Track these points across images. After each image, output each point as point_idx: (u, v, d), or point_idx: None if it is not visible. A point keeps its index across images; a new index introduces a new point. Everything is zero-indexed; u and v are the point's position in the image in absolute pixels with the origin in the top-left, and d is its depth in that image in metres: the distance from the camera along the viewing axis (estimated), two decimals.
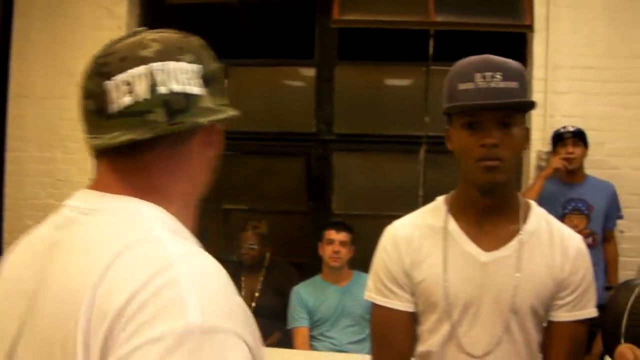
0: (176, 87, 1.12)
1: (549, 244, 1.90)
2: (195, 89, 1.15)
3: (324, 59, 5.80)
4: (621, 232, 5.05)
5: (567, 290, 1.88)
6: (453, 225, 1.94)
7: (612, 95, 5.19)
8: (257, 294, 4.88)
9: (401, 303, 1.96)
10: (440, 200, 2.02)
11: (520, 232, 1.89)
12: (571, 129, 4.76)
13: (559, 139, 4.78)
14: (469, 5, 5.42)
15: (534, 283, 1.86)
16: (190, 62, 1.16)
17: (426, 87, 5.62)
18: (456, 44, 5.48)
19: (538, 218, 1.94)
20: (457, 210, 1.95)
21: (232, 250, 5.15)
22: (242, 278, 4.94)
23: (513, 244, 1.89)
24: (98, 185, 1.15)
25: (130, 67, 1.10)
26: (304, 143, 5.80)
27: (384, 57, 5.78)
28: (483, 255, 1.89)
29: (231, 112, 1.27)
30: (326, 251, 4.62)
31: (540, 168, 5.08)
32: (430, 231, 1.95)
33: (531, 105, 1.83)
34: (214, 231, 5.91)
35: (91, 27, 5.66)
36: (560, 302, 1.89)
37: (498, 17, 5.41)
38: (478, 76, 1.77)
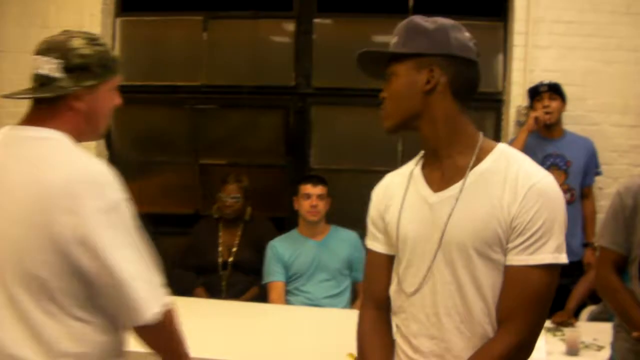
0: (42, 72, 1.94)
1: (501, 183, 1.81)
2: (57, 74, 1.93)
3: (303, 12, 5.71)
4: (600, 188, 5.05)
5: (515, 232, 1.77)
6: (417, 169, 1.99)
7: (593, 50, 5.15)
8: (234, 249, 4.85)
9: (379, 245, 2.06)
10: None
11: (468, 171, 1.85)
12: (547, 83, 4.74)
13: (535, 93, 4.76)
14: None
15: (468, 221, 1.80)
16: (55, 57, 1.92)
17: None
18: None
19: (497, 158, 1.86)
20: (425, 159, 2.00)
21: (209, 205, 5.11)
22: (220, 233, 4.91)
23: (457, 185, 1.86)
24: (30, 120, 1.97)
25: (39, 54, 1.96)
26: (283, 96, 5.72)
27: (364, 10, 5.69)
28: (431, 196, 1.90)
29: (77, 88, 1.95)
30: (303, 206, 4.59)
31: (520, 123, 5.05)
32: (402, 177, 2.03)
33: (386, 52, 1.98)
34: (191, 185, 5.86)
35: None
36: (510, 245, 1.78)
37: None
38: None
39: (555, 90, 4.73)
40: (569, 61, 5.17)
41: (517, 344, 1.77)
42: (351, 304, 4.62)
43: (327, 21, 5.79)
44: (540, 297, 1.78)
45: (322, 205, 4.59)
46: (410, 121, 1.93)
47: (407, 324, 1.95)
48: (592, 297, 4.37)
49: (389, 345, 2.05)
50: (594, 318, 4.35)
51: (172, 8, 5.84)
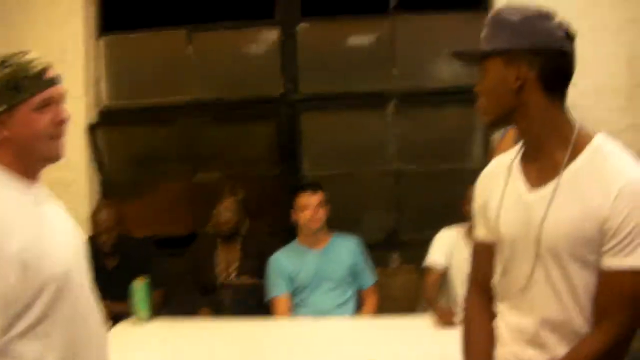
0: None
1: (594, 183, 1.78)
2: None
3: (285, 18, 5.68)
4: None
5: (608, 234, 1.75)
6: (517, 161, 1.99)
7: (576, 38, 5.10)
8: (235, 266, 4.79)
9: (482, 234, 2.09)
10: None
11: (562, 169, 1.83)
12: None
13: None
14: None
15: (561, 224, 1.80)
16: None
17: (392, 39, 5.52)
18: None
19: (592, 153, 1.82)
20: (523, 151, 2.00)
21: (206, 222, 5.05)
22: (218, 251, 4.85)
23: (551, 184, 1.85)
24: None
25: None
26: (272, 106, 5.67)
27: (346, 12, 5.66)
28: (527, 194, 1.91)
29: None
30: (304, 215, 4.53)
31: None
32: (502, 168, 2.03)
33: None
34: (187, 204, 5.82)
35: None
36: (604, 248, 1.77)
37: None
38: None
39: None
40: None
41: (611, 342, 1.77)
42: (356, 311, 4.58)
43: (311, 26, 5.76)
44: (636, 299, 1.76)
45: (321, 213, 4.55)
46: (507, 116, 1.91)
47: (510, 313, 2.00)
48: None
49: (492, 332, 2.08)
50: None
51: (154, 24, 5.79)
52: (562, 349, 1.84)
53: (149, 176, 5.92)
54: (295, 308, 4.54)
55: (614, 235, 1.74)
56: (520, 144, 2.00)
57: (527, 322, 1.91)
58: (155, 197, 5.96)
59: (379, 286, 4.72)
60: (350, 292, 4.58)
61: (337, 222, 4.76)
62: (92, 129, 5.56)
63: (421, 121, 5.51)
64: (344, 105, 5.55)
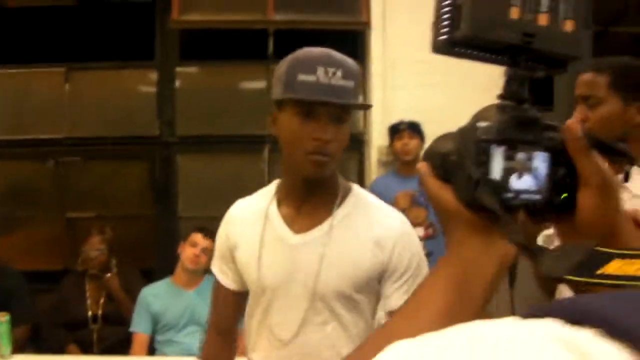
0: None
1: (365, 226, 1.88)
2: None
3: (164, 61, 5.72)
4: None
5: (393, 276, 1.85)
6: (273, 208, 1.97)
7: (449, 88, 5.32)
8: (102, 301, 4.74)
9: (229, 281, 2.07)
10: (274, 183, 2.06)
11: (332, 214, 1.90)
12: (406, 121, 4.88)
13: (394, 131, 4.89)
14: (308, 4, 5.48)
15: (340, 265, 1.84)
16: None
17: (268, 85, 5.63)
18: (296, 42, 5.51)
19: (356, 200, 1.94)
20: (281, 194, 1.99)
21: (77, 259, 5.00)
22: (87, 287, 4.81)
23: (323, 226, 1.89)
24: None
25: None
26: (147, 146, 5.70)
27: (226, 57, 5.74)
28: (293, 238, 1.91)
29: None
30: (186, 252, 4.53)
31: (381, 163, 5.17)
32: (254, 213, 1.99)
33: (368, 107, 2.08)
34: (59, 240, 5.73)
35: None
36: (389, 290, 1.86)
37: (336, 15, 5.48)
38: (320, 70, 1.78)
39: (414, 129, 4.87)
40: (427, 100, 5.33)
41: None
42: None
43: (190, 69, 5.82)
44: None
45: (204, 259, 4.53)
46: None
47: None
48: None
49: None
50: None
51: (35, 60, 5.75)
52: None
53: (23, 210, 5.82)
54: (160, 346, 4.51)
55: (400, 277, 1.86)
56: (273, 191, 2.02)
57: None
58: (29, 232, 5.86)
59: None
60: None
61: (209, 264, 4.77)
62: None
63: None
64: (220, 148, 5.61)
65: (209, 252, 4.53)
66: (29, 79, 5.86)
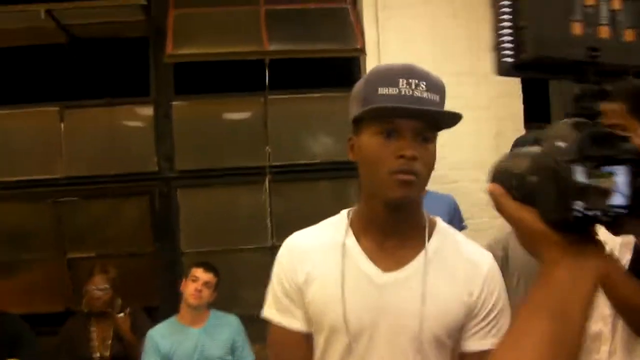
0: None
1: (456, 264, 1.73)
2: None
3: (160, 96, 5.70)
4: None
5: (478, 316, 1.70)
6: (352, 241, 1.77)
7: None
8: (110, 342, 4.69)
9: (296, 321, 1.79)
10: (343, 214, 1.86)
11: (423, 250, 1.72)
12: None
13: None
14: (301, 33, 5.48)
15: (439, 309, 1.68)
16: None
17: (265, 116, 5.62)
18: (292, 72, 5.54)
19: (443, 235, 1.78)
20: (358, 226, 1.79)
21: (80, 300, 4.94)
22: (93, 328, 4.75)
23: (415, 264, 1.72)
24: None
25: None
26: (147, 182, 5.66)
27: (223, 90, 5.74)
28: (381, 276, 1.71)
29: None
30: (188, 288, 4.49)
31: None
32: (328, 246, 1.78)
33: (458, 118, 1.69)
34: (60, 282, 5.67)
35: None
36: (472, 330, 1.70)
37: (330, 43, 5.49)
38: (402, 82, 1.64)
39: None
40: None
41: None
42: None
43: (185, 103, 5.80)
44: None
45: (207, 293, 4.49)
46: None
47: None
48: None
49: None
50: None
51: (27, 100, 5.72)
52: None
53: (21, 253, 5.75)
54: None
55: (485, 317, 1.70)
56: (345, 223, 1.82)
57: None
58: (28, 275, 5.80)
59: None
60: None
61: (217, 300, 4.74)
62: None
63: (296, 195, 5.60)
64: (220, 181, 5.58)
65: (211, 286, 4.50)
66: (23, 119, 5.82)
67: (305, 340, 1.79)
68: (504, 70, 0.93)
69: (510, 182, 0.93)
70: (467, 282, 1.71)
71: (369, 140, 1.68)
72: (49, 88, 5.76)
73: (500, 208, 0.94)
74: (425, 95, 1.64)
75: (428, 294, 1.68)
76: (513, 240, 2.95)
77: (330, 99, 5.44)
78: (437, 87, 1.69)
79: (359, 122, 1.72)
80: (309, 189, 5.58)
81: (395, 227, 1.74)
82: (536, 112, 5.42)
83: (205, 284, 4.48)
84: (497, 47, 0.91)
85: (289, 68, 5.48)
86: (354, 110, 1.72)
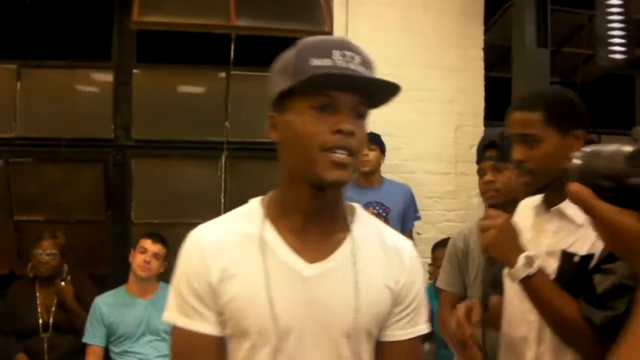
0: None
1: (381, 251, 1.61)
2: None
3: (121, 62, 5.61)
4: (418, 234, 5.22)
5: (403, 304, 1.61)
6: (270, 232, 1.57)
7: (407, 103, 5.35)
8: (54, 309, 4.60)
9: (208, 325, 1.55)
10: (255, 202, 1.66)
11: (348, 237, 1.59)
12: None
13: None
14: (270, 11, 5.44)
15: (371, 300, 1.56)
16: None
17: (227, 91, 5.58)
18: (255, 50, 5.49)
19: (365, 221, 1.65)
20: (275, 214, 1.60)
21: (25, 264, 4.85)
22: (37, 293, 4.65)
23: (342, 252, 1.57)
24: None
25: None
26: (102, 149, 5.58)
27: (186, 62, 5.68)
28: (307, 268, 1.54)
29: None
30: (136, 259, 4.42)
31: None
32: (245, 239, 1.57)
33: (397, 91, 1.51)
34: (6, 244, 5.56)
35: None
36: (395, 318, 1.60)
37: (298, 23, 5.45)
38: (336, 53, 1.48)
39: (373, 140, 4.84)
40: (385, 112, 5.30)
41: None
42: None
43: (147, 72, 5.71)
44: None
45: (155, 265, 4.43)
46: None
47: None
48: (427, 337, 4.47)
49: None
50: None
51: None
52: None
53: None
54: (116, 357, 4.39)
55: (409, 305, 1.62)
56: (260, 212, 1.62)
57: None
58: None
59: None
60: None
61: (165, 273, 4.69)
62: None
63: (252, 173, 5.57)
64: (176, 154, 5.52)
65: (160, 257, 4.44)
66: None
67: (217, 346, 1.56)
68: (615, 64, 0.90)
69: (600, 184, 0.88)
70: (393, 269, 1.61)
71: (300, 116, 1.50)
72: (8, 45, 5.62)
73: (589, 210, 0.90)
74: (360, 69, 1.49)
75: (360, 284, 1.55)
76: (474, 235, 2.96)
77: None
78: (369, 63, 1.54)
79: (285, 97, 1.53)
80: (265, 168, 5.54)
81: (319, 213, 1.57)
82: (497, 110, 5.46)
83: (154, 255, 4.43)
84: (603, 40, 0.88)
85: (254, 45, 5.44)
86: (282, 83, 1.52)
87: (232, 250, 1.55)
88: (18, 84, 5.58)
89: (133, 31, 5.53)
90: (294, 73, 1.48)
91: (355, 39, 4.59)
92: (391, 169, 5.18)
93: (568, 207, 2.02)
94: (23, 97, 5.58)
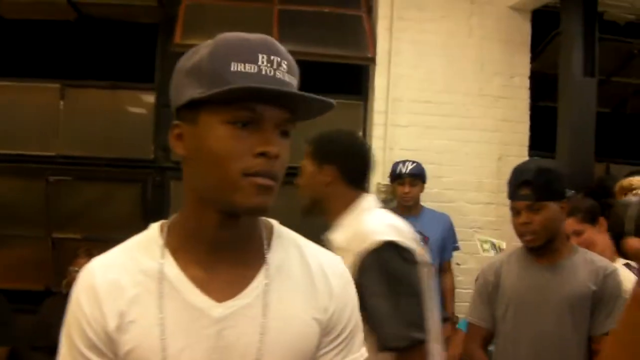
0: None
1: (305, 275, 1.38)
2: None
3: (164, 84, 5.59)
4: (457, 264, 5.12)
5: (333, 333, 1.39)
6: (171, 265, 1.32)
7: (449, 130, 5.29)
8: None
9: None
10: (154, 229, 1.41)
11: (263, 266, 1.34)
12: (409, 168, 4.76)
13: (396, 176, 4.78)
14: (313, 35, 5.41)
15: (287, 336, 1.33)
16: None
17: None
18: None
19: (284, 243, 1.41)
20: (178, 244, 1.35)
21: (61, 281, 4.87)
22: None
23: (256, 284, 1.33)
24: None
25: None
26: (141, 170, 5.60)
27: None
28: (215, 308, 1.29)
29: None
30: None
31: (380, 200, 5.08)
32: (142, 275, 1.32)
33: (331, 107, 1.29)
34: (43, 260, 5.59)
35: None
36: (325, 350, 1.38)
37: (341, 49, 5.42)
38: (262, 58, 1.24)
39: (416, 176, 4.77)
40: (427, 140, 5.29)
41: None
42: None
43: None
44: None
45: None
46: None
47: None
48: None
49: None
50: None
51: (29, 74, 5.64)
52: None
53: (9, 228, 5.66)
54: None
55: (341, 332, 1.40)
56: (159, 242, 1.35)
57: None
58: (11, 250, 5.73)
59: None
60: None
61: None
62: None
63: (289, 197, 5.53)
64: None
65: None
66: (23, 93, 5.75)
67: None
68: None
69: None
70: (320, 297, 1.38)
71: (215, 131, 1.25)
72: (53, 64, 5.68)
73: None
74: (286, 78, 1.27)
75: (271, 323, 1.31)
76: (506, 267, 2.87)
77: (336, 105, 5.34)
78: (295, 70, 1.31)
79: (196, 106, 1.26)
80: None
81: (230, 242, 1.33)
82: (542, 140, 5.37)
83: None
84: None
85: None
86: (191, 87, 1.27)
87: (130, 291, 1.30)
88: (61, 102, 5.63)
89: (175, 53, 5.54)
90: (209, 77, 1.24)
91: (398, 65, 4.56)
92: (431, 197, 5.09)
93: None
94: (65, 116, 5.63)
